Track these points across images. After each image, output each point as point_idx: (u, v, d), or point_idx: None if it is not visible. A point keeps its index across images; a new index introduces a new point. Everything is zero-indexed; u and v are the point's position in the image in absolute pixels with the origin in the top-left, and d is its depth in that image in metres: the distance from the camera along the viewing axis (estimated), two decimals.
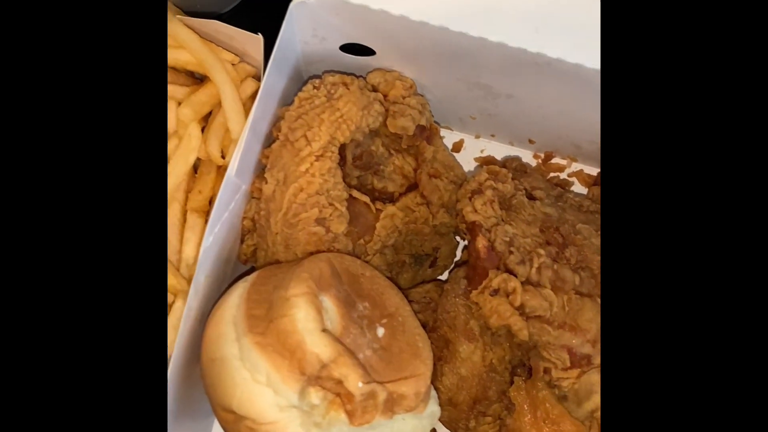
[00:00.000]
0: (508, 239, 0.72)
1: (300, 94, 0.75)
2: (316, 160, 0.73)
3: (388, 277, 0.78)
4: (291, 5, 0.66)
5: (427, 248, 0.87)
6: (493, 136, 0.95)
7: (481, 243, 0.72)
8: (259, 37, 0.73)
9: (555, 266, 0.72)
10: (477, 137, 0.96)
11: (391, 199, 0.84)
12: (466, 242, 0.90)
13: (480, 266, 0.72)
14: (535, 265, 0.71)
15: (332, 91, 0.75)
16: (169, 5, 0.79)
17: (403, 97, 0.80)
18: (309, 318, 0.61)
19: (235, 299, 0.65)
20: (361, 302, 0.69)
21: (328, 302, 0.65)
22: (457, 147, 0.96)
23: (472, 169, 0.95)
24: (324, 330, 0.62)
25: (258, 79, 0.82)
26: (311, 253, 0.74)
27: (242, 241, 0.79)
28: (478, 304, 0.72)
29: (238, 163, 0.70)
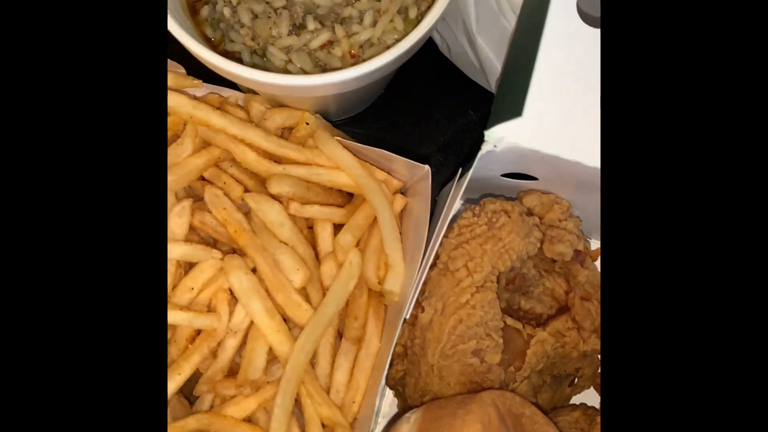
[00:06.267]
0: None
1: (459, 221, 0.74)
2: (477, 292, 0.71)
3: (534, 404, 0.75)
4: (481, 153, 0.64)
5: (570, 369, 0.84)
6: None
7: None
8: (427, 167, 0.72)
9: None
10: None
11: (539, 320, 0.81)
12: None
13: None
14: None
15: (493, 220, 0.73)
16: (325, 124, 0.79)
17: (560, 221, 0.78)
18: None
19: None
20: None
21: None
22: (595, 256, 0.93)
23: None
24: None
25: (403, 192, 0.81)
26: (464, 384, 0.72)
27: (391, 364, 0.77)
28: None
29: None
